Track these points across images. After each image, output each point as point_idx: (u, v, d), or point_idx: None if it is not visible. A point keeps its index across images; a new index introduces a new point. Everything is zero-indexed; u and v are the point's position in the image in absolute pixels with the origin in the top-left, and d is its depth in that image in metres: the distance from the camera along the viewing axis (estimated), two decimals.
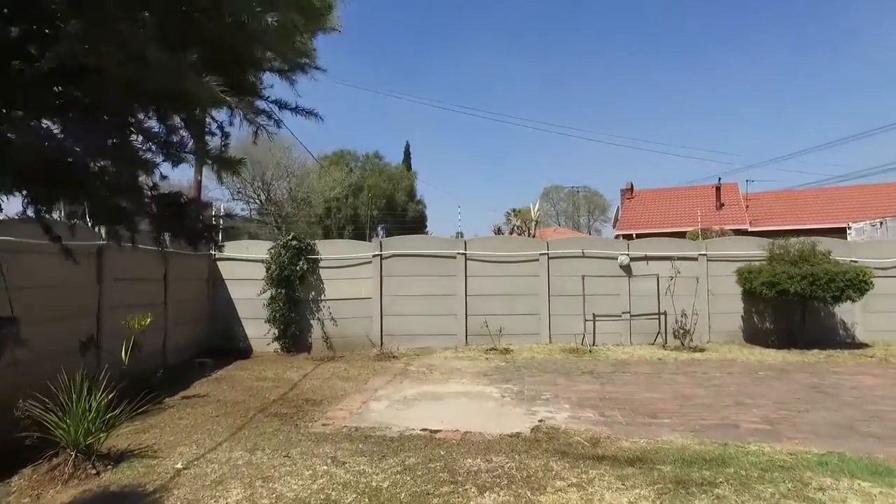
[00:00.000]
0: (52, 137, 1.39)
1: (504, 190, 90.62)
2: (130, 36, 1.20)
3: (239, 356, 9.58)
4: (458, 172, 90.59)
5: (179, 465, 4.34)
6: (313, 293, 10.43)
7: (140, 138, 1.69)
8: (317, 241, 10.77)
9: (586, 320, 10.57)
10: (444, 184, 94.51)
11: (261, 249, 10.39)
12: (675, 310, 10.46)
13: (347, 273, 10.56)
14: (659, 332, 10.58)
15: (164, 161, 1.82)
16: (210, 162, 1.85)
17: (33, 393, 4.40)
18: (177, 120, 1.73)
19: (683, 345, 10.06)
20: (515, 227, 22.52)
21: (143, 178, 1.82)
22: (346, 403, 6.41)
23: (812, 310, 10.32)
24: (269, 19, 1.45)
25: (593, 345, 10.36)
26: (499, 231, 23.37)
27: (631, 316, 10.73)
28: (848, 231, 18.13)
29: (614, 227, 32.37)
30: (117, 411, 4.48)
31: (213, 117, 1.95)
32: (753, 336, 10.70)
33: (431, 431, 5.21)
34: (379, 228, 45.49)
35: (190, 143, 1.75)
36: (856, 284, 9.21)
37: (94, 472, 4.13)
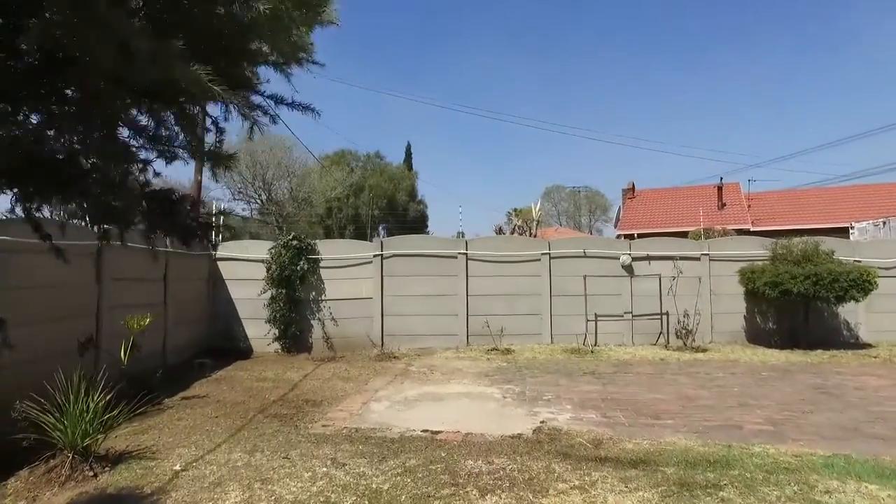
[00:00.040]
0: (37, 131, 1.35)
1: (505, 190, 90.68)
2: (114, 21, 1.16)
3: (239, 356, 9.54)
4: (460, 172, 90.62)
5: (178, 467, 4.30)
6: (314, 293, 10.39)
7: (128, 132, 1.65)
8: (317, 240, 10.72)
9: (588, 320, 10.51)
10: (446, 184, 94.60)
11: (261, 249, 10.36)
12: (677, 310, 10.40)
13: (348, 273, 10.52)
14: (661, 333, 10.52)
15: (157, 158, 1.79)
16: (202, 157, 1.80)
17: (31, 394, 4.36)
18: (168, 115, 1.69)
19: (686, 345, 10.01)
20: (517, 227, 22.47)
21: (136, 175, 1.79)
22: (346, 404, 6.37)
23: (815, 310, 10.26)
24: (261, 7, 1.40)
25: (595, 345, 10.31)
26: (500, 231, 23.32)
27: (633, 316, 10.68)
28: (850, 231, 18.06)
29: (616, 226, 32.30)
30: (115, 412, 4.44)
31: (207, 112, 1.91)
32: (756, 336, 10.64)
33: (432, 432, 5.17)
34: (380, 228, 45.48)
35: (180, 138, 1.70)
36: (859, 284, 9.15)
37: (91, 473, 4.08)
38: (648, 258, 10.82)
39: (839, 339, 10.50)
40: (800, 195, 29.19)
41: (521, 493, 3.72)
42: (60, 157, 1.44)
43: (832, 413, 5.76)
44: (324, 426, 5.46)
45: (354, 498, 3.69)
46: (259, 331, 10.17)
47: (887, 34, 66.39)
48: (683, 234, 18.47)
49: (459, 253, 10.72)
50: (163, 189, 1.87)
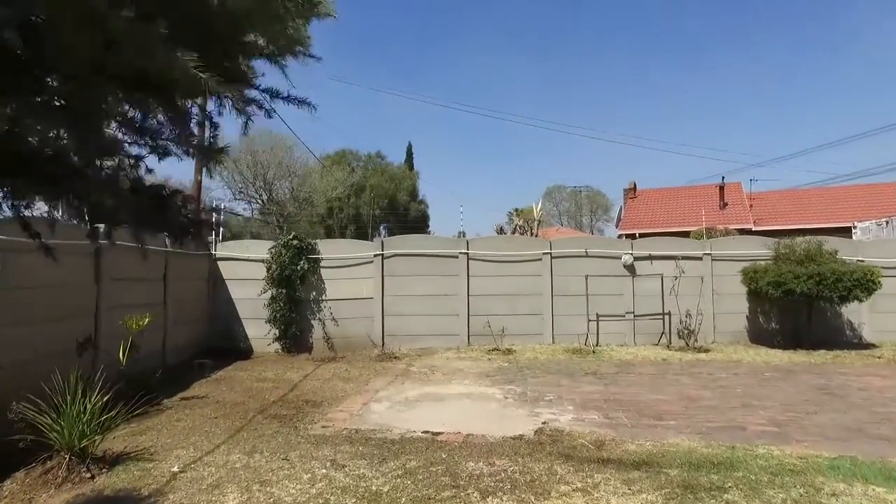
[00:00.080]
0: (16, 124, 1.30)
1: (506, 190, 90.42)
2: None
3: (239, 356, 9.50)
4: (461, 172, 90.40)
5: (176, 469, 4.26)
6: (314, 293, 10.35)
7: (114, 125, 1.60)
8: (318, 240, 10.68)
9: (590, 320, 10.46)
10: (446, 183, 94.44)
11: (261, 249, 10.32)
12: (679, 310, 10.35)
13: (349, 273, 10.48)
14: (663, 333, 10.47)
15: (149, 153, 1.74)
16: (191, 150, 1.75)
17: (28, 395, 4.32)
18: (156, 106, 1.64)
19: (688, 345, 9.95)
20: (518, 227, 22.40)
21: (127, 171, 1.74)
22: (346, 405, 6.33)
23: (818, 310, 10.20)
24: None
25: (597, 345, 10.26)
26: (501, 231, 23.25)
27: (635, 316, 10.63)
28: (853, 230, 17.99)
29: (617, 226, 32.22)
30: (113, 413, 4.41)
31: (200, 107, 1.86)
32: (759, 336, 10.58)
33: (433, 434, 5.12)
34: (381, 228, 45.41)
35: (168, 130, 1.66)
36: (863, 284, 9.09)
37: (88, 475, 4.04)
38: (650, 258, 10.77)
39: (842, 339, 10.44)
40: (802, 195, 29.07)
41: (523, 496, 3.67)
42: (47, 151, 1.40)
43: (836, 414, 5.71)
44: (324, 427, 5.41)
45: (354, 500, 3.65)
46: (259, 331, 10.13)
47: (887, 34, 66.23)
48: (685, 234, 18.41)
49: (460, 253, 10.67)
50: (153, 184, 1.83)
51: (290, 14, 1.62)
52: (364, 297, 10.42)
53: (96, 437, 4.25)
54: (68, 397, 4.24)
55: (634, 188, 32.26)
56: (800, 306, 9.97)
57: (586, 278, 10.60)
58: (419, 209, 49.56)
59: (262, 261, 10.15)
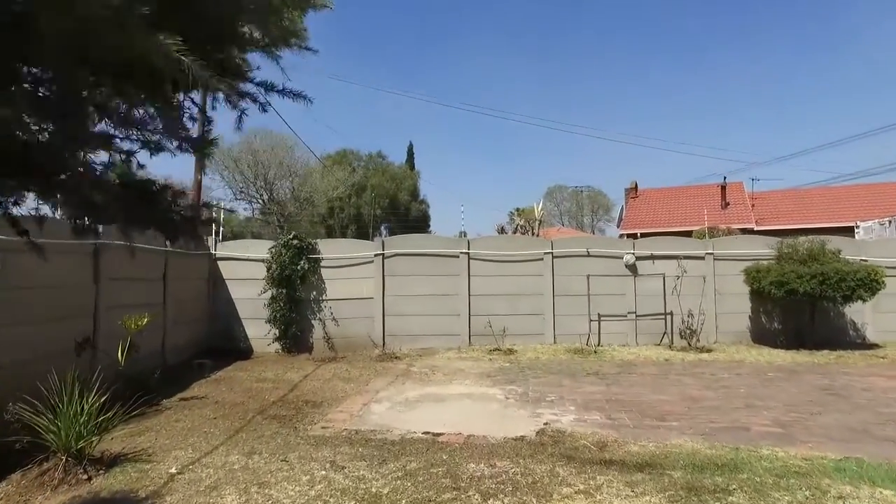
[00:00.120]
0: None
1: (507, 190, 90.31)
2: None
3: (239, 357, 9.46)
4: (461, 172, 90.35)
5: (174, 470, 4.22)
6: (314, 293, 10.30)
7: (98, 116, 1.55)
8: (318, 240, 10.64)
9: (591, 320, 10.41)
10: (447, 183, 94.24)
11: (262, 249, 10.28)
12: (681, 310, 10.29)
13: (349, 273, 10.43)
14: (665, 333, 10.41)
15: (140, 148, 1.69)
16: (182, 144, 1.70)
17: (25, 396, 4.28)
18: (141, 96, 1.59)
19: (690, 345, 9.89)
20: (519, 227, 22.35)
21: (119, 166, 1.70)
22: (346, 405, 6.28)
23: (821, 310, 10.14)
24: None
25: (598, 345, 10.20)
26: (502, 230, 23.23)
27: (637, 316, 10.57)
28: (856, 230, 17.92)
29: (618, 226, 32.13)
30: (110, 414, 4.36)
31: (192, 99, 1.81)
32: (761, 336, 10.52)
33: (434, 434, 5.08)
34: (382, 228, 45.38)
35: (155, 122, 1.60)
36: (867, 284, 9.03)
37: (85, 477, 4.00)
38: (652, 257, 10.71)
39: (845, 339, 10.38)
40: (804, 194, 28.97)
41: (525, 498, 3.62)
42: (27, 140, 1.35)
43: (841, 414, 5.66)
44: (323, 428, 5.37)
45: (353, 503, 3.60)
46: (259, 331, 10.09)
47: (887, 34, 66.05)
48: (687, 234, 18.32)
49: (461, 252, 10.62)
50: (142, 179, 1.77)
51: (286, 4, 1.58)
52: (365, 296, 10.38)
53: (93, 439, 4.21)
54: (65, 398, 4.20)
55: (636, 188, 32.19)
56: (803, 306, 9.91)
57: (588, 278, 10.54)
58: (420, 209, 49.50)
59: (263, 260, 10.11)
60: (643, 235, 20.25)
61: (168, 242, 8.06)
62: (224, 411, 6.03)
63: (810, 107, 78.73)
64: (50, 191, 1.53)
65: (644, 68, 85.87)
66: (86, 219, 1.69)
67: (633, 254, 10.64)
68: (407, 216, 46.25)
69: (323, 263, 10.32)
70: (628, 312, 10.59)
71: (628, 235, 23.73)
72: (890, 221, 16.23)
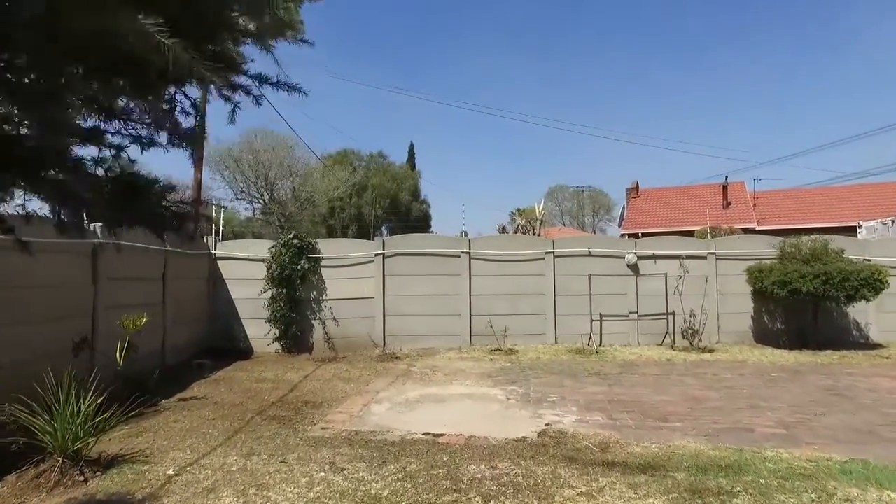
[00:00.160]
0: None
1: (508, 189, 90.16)
2: None
3: (239, 357, 9.42)
4: (463, 172, 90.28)
5: (171, 472, 4.17)
6: (315, 293, 10.26)
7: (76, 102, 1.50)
8: (318, 239, 10.59)
9: (593, 320, 10.36)
10: (448, 182, 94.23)
11: (262, 248, 10.24)
12: (683, 309, 10.24)
13: (349, 272, 10.39)
14: (667, 333, 10.36)
15: (130, 142, 1.64)
16: (167, 134, 1.65)
17: (21, 396, 4.24)
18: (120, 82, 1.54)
19: (692, 345, 9.84)
20: (520, 227, 22.28)
21: (109, 161, 1.65)
22: (346, 406, 6.24)
23: (824, 309, 10.08)
24: None
25: (600, 345, 10.15)
26: (503, 230, 23.13)
27: (638, 316, 10.52)
28: (858, 229, 17.85)
29: (620, 226, 32.06)
30: (108, 415, 4.31)
31: (186, 94, 1.76)
32: (764, 336, 10.46)
33: (434, 435, 5.03)
34: (383, 228, 45.35)
35: (141, 113, 1.56)
36: (871, 283, 8.97)
37: (81, 478, 3.95)
38: (654, 257, 10.65)
39: (849, 339, 10.32)
40: (805, 194, 28.88)
41: (526, 500, 3.57)
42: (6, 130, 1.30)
43: (845, 415, 5.60)
44: (323, 429, 5.32)
45: None
46: (259, 331, 10.04)
47: (887, 34, 65.88)
48: (689, 234, 18.24)
49: (462, 252, 10.57)
50: (127, 171, 1.72)
51: None
52: (365, 296, 10.33)
53: (90, 440, 4.16)
54: (62, 399, 4.15)
55: (637, 187, 32.11)
56: (805, 306, 9.85)
57: (589, 278, 10.49)
58: (421, 209, 49.46)
59: (263, 260, 10.07)
60: (644, 235, 20.19)
61: (165, 240, 8.01)
62: (223, 412, 5.99)
63: (810, 107, 78.66)
64: (33, 185, 1.48)
65: (644, 68, 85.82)
66: (70, 214, 1.64)
67: (635, 253, 10.58)
68: (408, 216, 46.20)
69: (323, 263, 10.28)
70: (630, 312, 10.54)
71: (630, 235, 23.66)
72: (893, 221, 16.17)
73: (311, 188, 36.94)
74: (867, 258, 10.29)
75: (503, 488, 3.77)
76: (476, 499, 3.61)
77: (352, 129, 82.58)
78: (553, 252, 10.66)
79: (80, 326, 6.15)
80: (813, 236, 10.17)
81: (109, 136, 1.66)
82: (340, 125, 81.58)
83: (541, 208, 21.68)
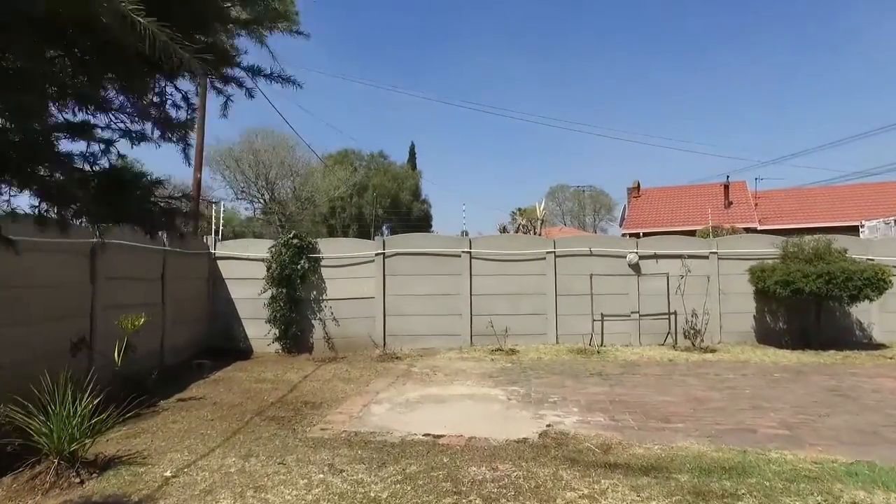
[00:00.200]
0: None
1: (509, 189, 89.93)
2: None
3: (239, 357, 9.38)
4: (463, 171, 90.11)
5: (168, 473, 4.13)
6: (315, 293, 10.21)
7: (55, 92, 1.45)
8: (318, 239, 10.54)
9: (594, 320, 10.31)
10: (449, 182, 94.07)
11: (262, 248, 10.20)
12: (685, 309, 10.19)
13: (350, 272, 10.34)
14: (669, 333, 10.31)
15: (120, 137, 1.59)
16: (153, 125, 1.60)
17: (16, 397, 4.19)
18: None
19: (694, 345, 9.79)
20: (521, 226, 22.24)
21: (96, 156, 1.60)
22: (346, 406, 6.19)
23: (827, 309, 10.03)
24: None
25: (601, 345, 10.10)
26: (504, 230, 23.08)
27: (640, 316, 10.46)
28: (860, 229, 17.78)
29: (621, 226, 31.98)
30: (105, 415, 4.27)
31: (177, 87, 1.71)
32: (766, 336, 10.41)
33: (434, 437, 4.98)
34: (384, 227, 45.30)
35: (120, 100, 1.51)
36: (874, 283, 8.91)
37: (77, 480, 3.91)
38: (656, 257, 10.60)
39: (852, 339, 10.26)
40: (807, 193, 28.80)
41: (528, 503, 3.52)
42: None
43: (849, 416, 5.55)
44: (322, 429, 5.28)
45: None
46: (259, 331, 10.01)
47: (887, 34, 65.68)
48: (690, 233, 18.16)
49: (463, 251, 10.52)
50: (116, 167, 1.66)
51: None
52: (365, 296, 10.29)
53: (86, 441, 4.11)
54: (58, 399, 4.11)
55: (638, 187, 32.03)
56: (808, 306, 9.80)
57: (591, 277, 10.44)
58: (422, 209, 49.38)
59: (263, 260, 10.03)
60: (646, 235, 20.12)
61: (162, 240, 7.95)
62: (222, 413, 5.94)
63: (810, 107, 78.45)
64: (19, 179, 1.42)
65: (644, 68, 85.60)
66: (53, 210, 1.59)
67: (637, 253, 10.53)
68: (409, 216, 46.14)
69: (323, 263, 10.24)
70: (631, 312, 10.48)
71: (631, 235, 23.60)
72: (895, 220, 16.10)
73: (312, 188, 36.89)
74: (870, 258, 10.23)
75: (504, 490, 3.72)
76: (477, 501, 3.56)
77: (352, 129, 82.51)
78: (554, 252, 10.61)
79: (78, 326, 6.10)
80: (815, 236, 10.11)
81: (99, 130, 1.62)
82: (341, 125, 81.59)
83: (542, 208, 21.65)
